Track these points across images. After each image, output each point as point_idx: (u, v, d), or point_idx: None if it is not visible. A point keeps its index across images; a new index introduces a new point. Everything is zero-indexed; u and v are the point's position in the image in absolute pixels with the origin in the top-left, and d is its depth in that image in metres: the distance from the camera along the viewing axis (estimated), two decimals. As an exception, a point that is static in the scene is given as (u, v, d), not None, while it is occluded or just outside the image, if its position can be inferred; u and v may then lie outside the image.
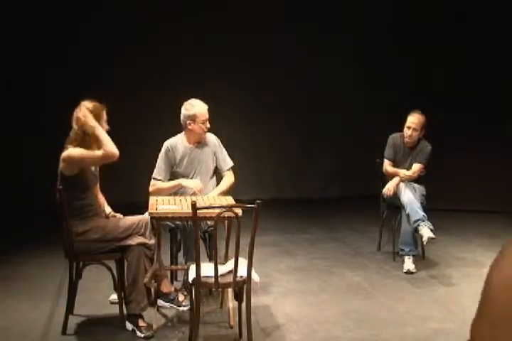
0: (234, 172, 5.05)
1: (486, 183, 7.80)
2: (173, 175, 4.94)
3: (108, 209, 4.42)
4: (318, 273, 5.52)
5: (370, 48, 8.57)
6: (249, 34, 8.28)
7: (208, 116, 4.87)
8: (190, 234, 4.44)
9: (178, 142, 4.96)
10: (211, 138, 5.05)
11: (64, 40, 7.87)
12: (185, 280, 4.59)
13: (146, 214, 4.39)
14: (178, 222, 4.64)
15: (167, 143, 4.95)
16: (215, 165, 5.02)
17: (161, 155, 4.93)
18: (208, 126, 4.89)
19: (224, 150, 5.07)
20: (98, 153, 4.01)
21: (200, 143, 4.97)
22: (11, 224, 7.13)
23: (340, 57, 8.54)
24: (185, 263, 4.47)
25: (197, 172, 4.93)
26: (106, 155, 3.99)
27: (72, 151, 4.02)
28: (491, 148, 7.80)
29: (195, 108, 4.85)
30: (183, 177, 4.90)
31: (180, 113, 4.91)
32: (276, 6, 8.37)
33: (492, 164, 7.78)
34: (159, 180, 4.89)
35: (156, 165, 4.93)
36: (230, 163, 5.06)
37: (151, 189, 4.87)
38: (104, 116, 4.17)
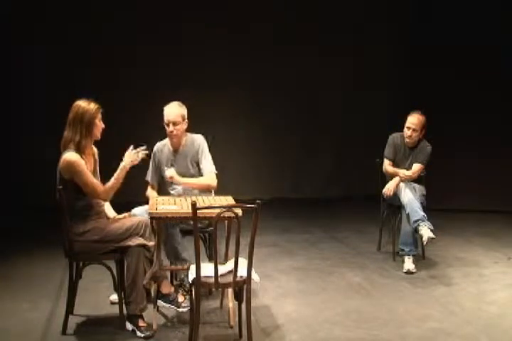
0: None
1: (486, 183, 7.79)
2: (162, 179, 4.93)
3: (111, 213, 4.40)
4: (318, 273, 5.52)
5: (370, 48, 8.57)
6: (249, 34, 8.28)
7: (173, 119, 4.70)
8: (171, 234, 4.47)
9: (164, 145, 4.95)
10: (197, 141, 4.89)
11: (64, 40, 7.87)
12: (182, 279, 4.60)
13: (134, 211, 4.48)
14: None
15: (155, 146, 4.95)
16: (197, 167, 4.89)
17: (151, 157, 4.93)
18: (171, 129, 4.71)
19: (207, 155, 4.84)
20: (98, 187, 4.10)
21: (183, 147, 4.88)
22: (11, 224, 7.13)
23: (341, 57, 8.54)
24: (171, 264, 4.48)
25: (180, 175, 4.80)
26: (98, 196, 4.14)
27: (77, 168, 4.02)
28: (491, 147, 7.79)
29: (164, 109, 4.81)
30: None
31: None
32: (276, 6, 8.37)
33: (492, 164, 7.77)
34: (148, 181, 4.95)
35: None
36: (211, 169, 4.81)
37: (146, 193, 4.95)
38: (99, 116, 4.18)
